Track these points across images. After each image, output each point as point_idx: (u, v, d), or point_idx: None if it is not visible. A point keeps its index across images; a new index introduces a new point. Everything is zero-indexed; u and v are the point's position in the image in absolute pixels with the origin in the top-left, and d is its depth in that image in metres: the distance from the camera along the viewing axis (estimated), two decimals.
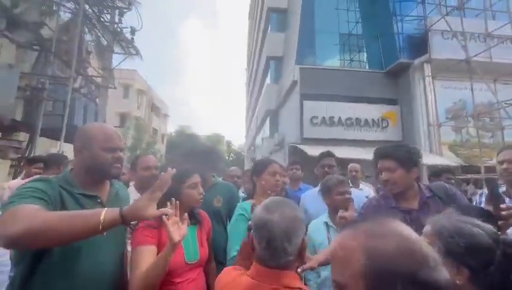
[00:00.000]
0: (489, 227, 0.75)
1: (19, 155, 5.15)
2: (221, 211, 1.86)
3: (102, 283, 1.03)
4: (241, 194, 2.55)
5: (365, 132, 9.42)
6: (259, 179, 1.62)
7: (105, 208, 0.85)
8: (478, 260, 0.72)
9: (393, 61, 9.44)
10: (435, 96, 8.71)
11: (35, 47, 5.68)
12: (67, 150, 7.55)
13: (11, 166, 5.05)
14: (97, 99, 7.69)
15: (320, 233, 1.65)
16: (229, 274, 0.91)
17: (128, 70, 18.57)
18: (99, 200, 1.09)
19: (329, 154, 2.44)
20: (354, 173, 3.24)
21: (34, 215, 0.79)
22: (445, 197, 1.37)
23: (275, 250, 0.80)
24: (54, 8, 6.92)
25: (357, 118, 9.45)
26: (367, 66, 10.90)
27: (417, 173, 1.41)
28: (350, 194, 1.66)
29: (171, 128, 34.27)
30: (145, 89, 24.45)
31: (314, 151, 7.85)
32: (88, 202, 1.06)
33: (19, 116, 4.84)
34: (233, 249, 1.35)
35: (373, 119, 9.48)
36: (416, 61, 8.98)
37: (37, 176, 1.06)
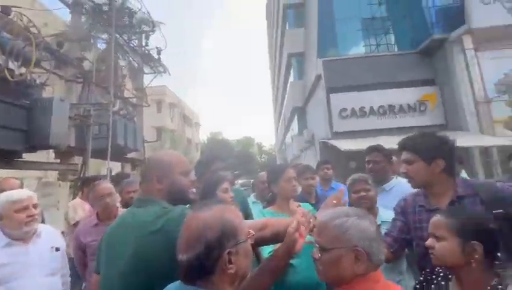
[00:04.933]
0: None
1: (76, 177, 5.86)
2: None
3: None
4: (252, 199, 2.58)
5: (401, 118, 8.79)
6: (277, 187, 1.64)
7: None
8: None
9: (425, 39, 8.67)
10: (480, 70, 7.79)
11: (79, 79, 6.44)
12: (113, 166, 8.31)
13: (70, 187, 5.76)
14: (135, 118, 8.38)
15: None
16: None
17: (158, 86, 19.81)
18: None
19: (373, 149, 2.11)
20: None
21: None
22: (490, 199, 1.11)
23: None
24: (91, 42, 7.73)
25: (390, 105, 8.87)
26: (396, 48, 10.18)
27: (441, 166, 1.20)
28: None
29: (203, 136, 35.58)
30: (175, 102, 25.82)
31: (346, 145, 7.55)
32: None
33: (72, 143, 5.52)
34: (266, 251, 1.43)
35: (408, 104, 8.81)
36: (453, 35, 8.13)
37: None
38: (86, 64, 7.05)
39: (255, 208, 2.07)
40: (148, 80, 9.28)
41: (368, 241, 0.77)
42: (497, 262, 0.86)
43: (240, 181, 11.15)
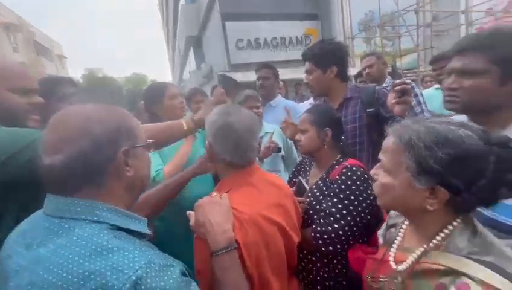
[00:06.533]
0: (475, 126, 0.53)
1: None
2: None
3: None
4: None
5: (290, 51, 9.49)
6: (161, 108, 1.44)
7: None
8: (466, 175, 0.50)
9: None
10: (349, 8, 8.99)
11: None
12: None
13: None
14: None
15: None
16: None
17: None
18: None
19: (264, 65, 2.19)
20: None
21: None
22: (368, 101, 1.28)
23: (245, 149, 0.80)
24: None
25: (281, 37, 9.29)
26: None
27: (335, 72, 1.31)
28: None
29: (76, 73, 28.15)
30: (15, 22, 18.12)
31: (244, 77, 7.69)
32: None
33: None
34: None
35: (297, 37, 9.49)
36: None
37: None
38: None
39: None
40: None
41: (214, 138, 0.81)
42: (341, 143, 1.11)
43: None
